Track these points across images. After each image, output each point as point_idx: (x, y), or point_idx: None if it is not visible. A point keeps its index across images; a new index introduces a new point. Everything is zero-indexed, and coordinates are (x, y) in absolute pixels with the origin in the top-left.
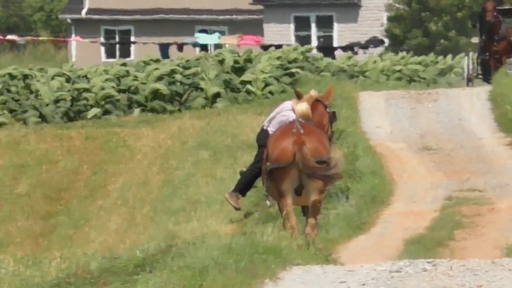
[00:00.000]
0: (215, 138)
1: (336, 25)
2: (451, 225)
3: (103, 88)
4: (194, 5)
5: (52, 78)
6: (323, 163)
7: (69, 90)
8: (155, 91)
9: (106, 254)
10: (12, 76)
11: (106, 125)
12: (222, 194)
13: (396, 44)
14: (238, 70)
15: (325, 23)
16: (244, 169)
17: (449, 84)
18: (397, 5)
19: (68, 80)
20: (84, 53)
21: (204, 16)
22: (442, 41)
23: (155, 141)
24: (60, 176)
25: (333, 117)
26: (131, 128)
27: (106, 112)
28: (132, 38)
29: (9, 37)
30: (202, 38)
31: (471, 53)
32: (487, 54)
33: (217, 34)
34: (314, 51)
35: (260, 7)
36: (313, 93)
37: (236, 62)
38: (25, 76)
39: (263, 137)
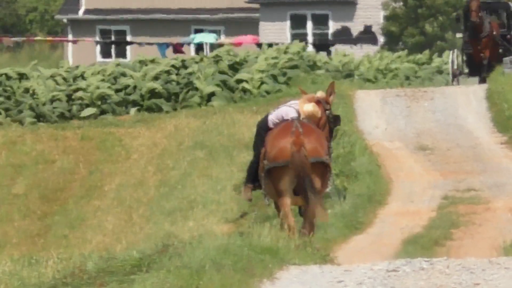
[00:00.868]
0: (211, 137)
1: (332, 23)
2: (448, 224)
3: (98, 88)
4: (190, 4)
5: (48, 78)
6: (322, 164)
7: (65, 90)
8: (151, 91)
9: (103, 254)
10: (8, 76)
11: (102, 125)
12: (218, 194)
13: (392, 42)
14: (234, 69)
15: (321, 21)
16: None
17: (447, 82)
18: (393, 4)
19: (64, 80)
20: (79, 53)
21: (200, 16)
22: (438, 42)
23: (151, 141)
24: (56, 176)
25: (334, 121)
26: (127, 128)
27: (102, 112)
28: (128, 38)
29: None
30: (198, 37)
31: (455, 50)
32: (471, 49)
33: (213, 35)
34: (310, 48)
35: (256, 5)
36: (320, 93)
37: (232, 61)
38: (21, 76)
39: (262, 121)
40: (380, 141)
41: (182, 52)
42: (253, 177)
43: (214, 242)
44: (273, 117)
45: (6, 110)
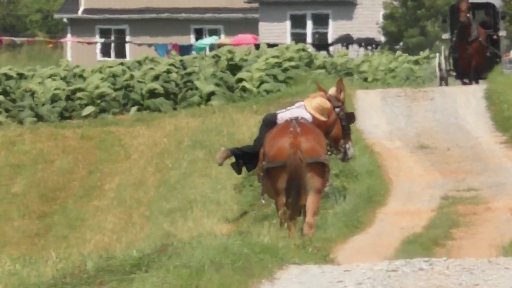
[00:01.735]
0: (211, 137)
1: (331, 23)
2: (448, 224)
3: (98, 87)
4: (190, 4)
5: (48, 77)
6: (320, 164)
7: (64, 90)
8: (151, 90)
9: (102, 253)
10: (7, 76)
11: (102, 124)
12: (218, 194)
13: (392, 42)
14: (234, 68)
15: (321, 21)
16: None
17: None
18: (394, 3)
19: (63, 79)
20: (79, 52)
21: (199, 15)
22: (437, 42)
23: (151, 140)
24: (55, 176)
25: (347, 118)
26: (127, 127)
27: (102, 111)
28: (128, 38)
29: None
30: (199, 43)
31: (442, 51)
32: (457, 53)
33: (214, 37)
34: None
35: (255, 5)
36: (331, 91)
37: (232, 60)
38: (21, 76)
39: (271, 117)
40: (380, 141)
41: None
42: (240, 154)
43: (214, 242)
44: (284, 116)
45: (6, 109)
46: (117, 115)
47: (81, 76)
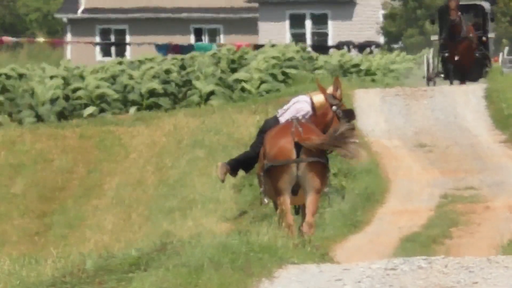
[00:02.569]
0: (210, 136)
1: (331, 23)
2: (447, 223)
3: (98, 87)
4: (189, 3)
5: (48, 78)
6: (321, 164)
7: (64, 90)
8: (150, 90)
9: (102, 253)
10: (8, 76)
11: (101, 124)
12: (217, 193)
13: (392, 41)
14: (234, 68)
15: (320, 21)
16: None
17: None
18: (393, 2)
19: (63, 79)
20: (79, 52)
21: (199, 15)
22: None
23: (150, 139)
24: (55, 175)
25: (345, 115)
26: (126, 127)
27: (102, 111)
28: (127, 37)
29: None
30: (198, 47)
31: (431, 52)
32: (447, 52)
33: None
34: (308, 49)
35: (255, 5)
36: (329, 90)
37: (231, 60)
38: (21, 76)
39: (273, 123)
40: (378, 140)
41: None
42: (236, 163)
43: (213, 241)
44: (282, 119)
45: (6, 109)
46: (117, 114)
47: (81, 76)
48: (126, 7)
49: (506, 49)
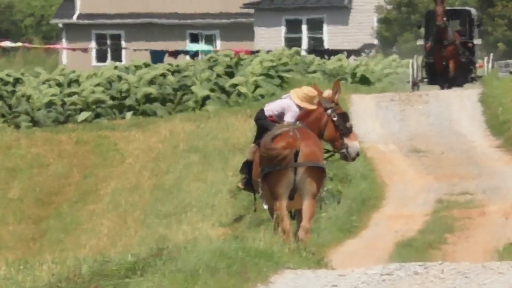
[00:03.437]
0: (206, 141)
1: (326, 28)
2: (442, 228)
3: (93, 92)
4: (185, 9)
5: (44, 83)
6: (318, 169)
7: (60, 94)
8: (146, 95)
9: (98, 257)
10: (3, 81)
11: (97, 129)
12: (213, 198)
13: (386, 46)
14: (230, 73)
15: (316, 26)
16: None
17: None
18: (387, 7)
19: (59, 84)
20: (74, 57)
21: (194, 20)
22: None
23: (146, 145)
24: (51, 180)
25: (339, 118)
26: (122, 132)
27: (97, 116)
28: (123, 43)
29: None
30: (194, 46)
31: (415, 57)
32: (431, 58)
33: (210, 46)
34: (303, 53)
35: (251, 10)
36: (326, 93)
37: (227, 65)
38: (17, 81)
39: (260, 114)
40: (374, 145)
41: (176, 57)
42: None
43: (209, 246)
44: (271, 108)
45: (2, 114)
46: (112, 120)
47: (76, 81)
48: (122, 13)
49: (491, 55)
